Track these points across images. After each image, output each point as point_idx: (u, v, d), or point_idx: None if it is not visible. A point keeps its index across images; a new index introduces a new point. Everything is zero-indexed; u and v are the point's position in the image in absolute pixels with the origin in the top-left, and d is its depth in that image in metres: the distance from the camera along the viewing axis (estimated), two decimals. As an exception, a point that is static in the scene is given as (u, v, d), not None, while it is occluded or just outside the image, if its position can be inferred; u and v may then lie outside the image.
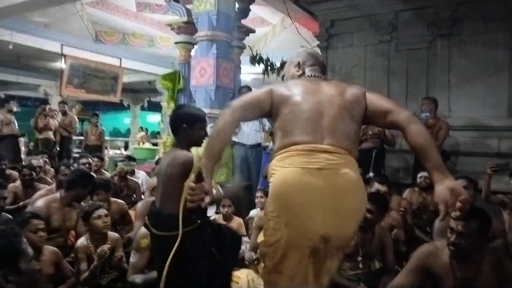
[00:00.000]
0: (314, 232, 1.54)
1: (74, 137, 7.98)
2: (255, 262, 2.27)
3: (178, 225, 1.85)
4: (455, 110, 4.86)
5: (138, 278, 2.38)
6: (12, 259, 1.24)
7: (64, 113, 7.62)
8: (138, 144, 11.80)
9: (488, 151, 4.45)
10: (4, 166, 4.60)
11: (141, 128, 14.93)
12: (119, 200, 3.86)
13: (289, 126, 1.66)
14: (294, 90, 1.72)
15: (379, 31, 5.38)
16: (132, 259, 2.47)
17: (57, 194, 3.22)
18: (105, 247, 2.64)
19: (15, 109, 6.76)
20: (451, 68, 4.91)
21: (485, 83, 4.73)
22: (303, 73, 1.88)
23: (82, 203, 3.27)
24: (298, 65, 1.90)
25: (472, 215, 1.97)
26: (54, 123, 7.15)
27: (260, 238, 1.76)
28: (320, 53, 5.85)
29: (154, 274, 2.20)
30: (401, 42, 5.26)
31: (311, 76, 1.84)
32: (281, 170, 1.60)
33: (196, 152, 2.13)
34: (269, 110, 1.73)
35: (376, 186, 3.42)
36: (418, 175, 3.97)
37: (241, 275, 2.21)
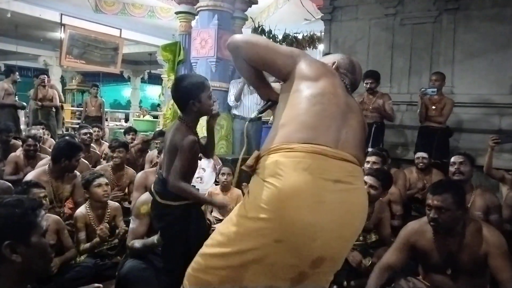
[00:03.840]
0: (309, 255, 1.33)
1: (74, 108, 7.95)
2: None
3: (180, 196, 1.92)
4: (458, 86, 4.81)
5: (137, 243, 2.42)
6: (23, 231, 1.22)
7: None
8: (138, 116, 11.79)
9: (490, 128, 4.44)
10: (10, 138, 4.61)
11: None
12: (131, 168, 4.00)
13: (311, 113, 1.37)
14: (327, 74, 1.48)
15: (384, 4, 5.26)
16: (132, 224, 2.50)
17: (46, 167, 3.20)
18: (105, 228, 2.70)
19: (18, 79, 6.76)
20: (456, 44, 4.84)
21: (489, 60, 4.66)
22: None
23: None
24: (333, 64, 1.64)
25: (444, 188, 2.03)
26: (52, 93, 7.11)
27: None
28: (324, 26, 5.79)
29: (153, 239, 2.26)
30: (406, 16, 5.15)
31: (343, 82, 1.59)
32: (293, 175, 1.29)
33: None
34: (285, 74, 1.48)
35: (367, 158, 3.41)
36: (416, 155, 3.96)
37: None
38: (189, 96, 1.92)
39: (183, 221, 1.96)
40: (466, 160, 3.00)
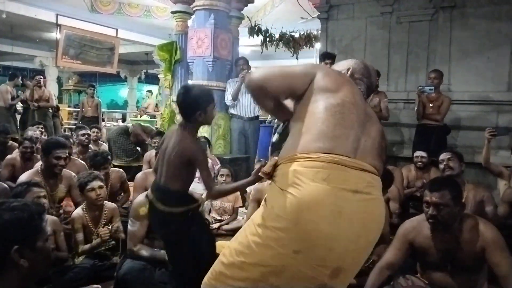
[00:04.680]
0: (327, 266, 1.32)
1: (71, 109, 7.94)
2: None
3: (185, 202, 1.92)
4: (455, 83, 4.82)
5: (145, 251, 2.40)
6: (30, 236, 1.21)
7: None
8: (136, 116, 11.76)
9: (487, 125, 4.43)
10: (7, 140, 4.58)
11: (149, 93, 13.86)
12: (117, 169, 3.95)
13: (330, 122, 1.37)
14: (345, 84, 1.49)
15: (380, 2, 5.26)
16: (131, 227, 2.49)
17: (39, 168, 3.19)
18: (107, 231, 2.70)
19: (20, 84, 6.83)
20: (452, 41, 4.84)
21: (485, 57, 4.67)
22: None
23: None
24: (348, 71, 1.65)
25: (442, 185, 2.05)
26: (49, 93, 7.09)
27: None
28: (321, 25, 5.79)
29: (164, 254, 2.25)
30: (402, 14, 5.15)
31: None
32: (312, 185, 1.28)
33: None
34: (304, 91, 1.48)
35: None
36: (414, 154, 3.97)
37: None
38: (198, 106, 1.95)
39: (185, 226, 1.95)
40: (453, 156, 3.06)
